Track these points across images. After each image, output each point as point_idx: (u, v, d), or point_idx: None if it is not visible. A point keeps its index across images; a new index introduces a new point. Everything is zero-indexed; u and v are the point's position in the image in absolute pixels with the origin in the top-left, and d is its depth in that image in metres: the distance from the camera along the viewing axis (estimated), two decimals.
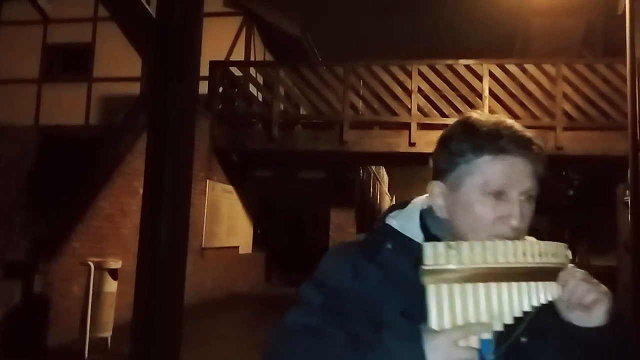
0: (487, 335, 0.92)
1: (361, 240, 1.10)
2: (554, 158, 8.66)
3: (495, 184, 0.98)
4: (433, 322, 0.89)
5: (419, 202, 1.11)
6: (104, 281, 5.72)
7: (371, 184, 21.27)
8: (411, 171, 17.30)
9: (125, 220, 7.34)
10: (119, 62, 11.33)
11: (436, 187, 1.05)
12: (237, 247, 11.16)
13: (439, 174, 1.05)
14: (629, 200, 5.96)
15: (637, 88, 5.91)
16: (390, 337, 0.91)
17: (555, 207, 14.22)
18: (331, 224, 14.79)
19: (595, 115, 8.49)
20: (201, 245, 9.32)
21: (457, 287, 0.91)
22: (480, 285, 0.92)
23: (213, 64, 9.47)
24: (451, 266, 0.91)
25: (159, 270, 3.06)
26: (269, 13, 11.78)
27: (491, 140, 0.99)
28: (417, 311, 0.92)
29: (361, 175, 17.91)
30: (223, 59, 10.83)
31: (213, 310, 8.64)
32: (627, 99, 6.10)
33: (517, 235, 0.98)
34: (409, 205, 1.12)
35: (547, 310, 0.96)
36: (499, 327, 0.91)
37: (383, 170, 25.20)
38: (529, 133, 1.01)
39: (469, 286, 0.91)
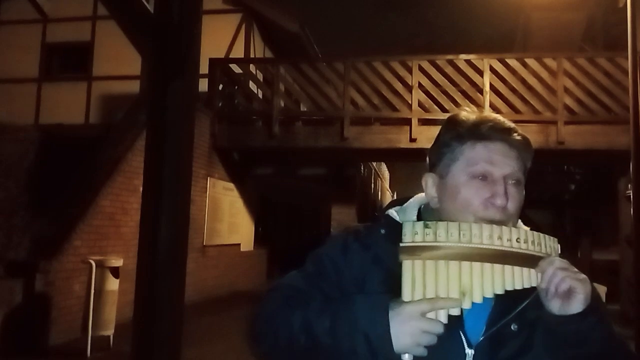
0: (456, 312, 0.93)
1: (361, 225, 1.19)
2: (555, 152, 8.75)
3: (478, 166, 1.04)
4: (405, 294, 0.93)
5: (419, 197, 1.17)
6: (105, 279, 5.71)
7: (372, 180, 21.26)
8: (412, 167, 17.31)
9: (126, 219, 7.34)
10: (119, 61, 11.31)
11: (429, 179, 1.12)
12: (239, 244, 11.15)
13: (431, 167, 1.13)
14: (631, 194, 5.93)
15: (639, 81, 5.87)
16: (359, 301, 0.96)
17: (557, 201, 14.21)
18: (332, 221, 14.80)
19: (596, 109, 8.45)
20: (203, 242, 9.32)
21: (430, 264, 0.94)
22: (453, 263, 0.94)
23: (213, 61, 9.45)
24: (426, 244, 0.94)
25: (159, 268, 3.06)
26: (268, 10, 11.76)
27: (473, 128, 1.06)
28: (395, 289, 0.95)
29: (362, 171, 17.91)
30: (223, 56, 10.80)
31: (214, 307, 8.64)
32: (628, 92, 6.07)
33: (504, 219, 1.01)
34: (410, 201, 1.18)
35: (540, 302, 0.98)
36: (467, 305, 0.93)
37: (384, 166, 25.21)
38: (511, 124, 1.07)
39: (442, 263, 0.94)
